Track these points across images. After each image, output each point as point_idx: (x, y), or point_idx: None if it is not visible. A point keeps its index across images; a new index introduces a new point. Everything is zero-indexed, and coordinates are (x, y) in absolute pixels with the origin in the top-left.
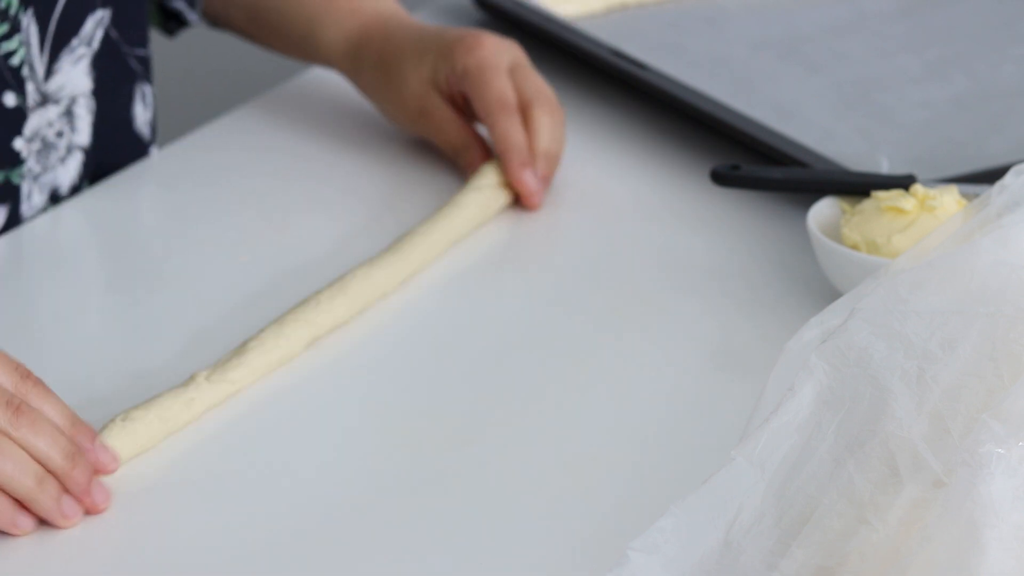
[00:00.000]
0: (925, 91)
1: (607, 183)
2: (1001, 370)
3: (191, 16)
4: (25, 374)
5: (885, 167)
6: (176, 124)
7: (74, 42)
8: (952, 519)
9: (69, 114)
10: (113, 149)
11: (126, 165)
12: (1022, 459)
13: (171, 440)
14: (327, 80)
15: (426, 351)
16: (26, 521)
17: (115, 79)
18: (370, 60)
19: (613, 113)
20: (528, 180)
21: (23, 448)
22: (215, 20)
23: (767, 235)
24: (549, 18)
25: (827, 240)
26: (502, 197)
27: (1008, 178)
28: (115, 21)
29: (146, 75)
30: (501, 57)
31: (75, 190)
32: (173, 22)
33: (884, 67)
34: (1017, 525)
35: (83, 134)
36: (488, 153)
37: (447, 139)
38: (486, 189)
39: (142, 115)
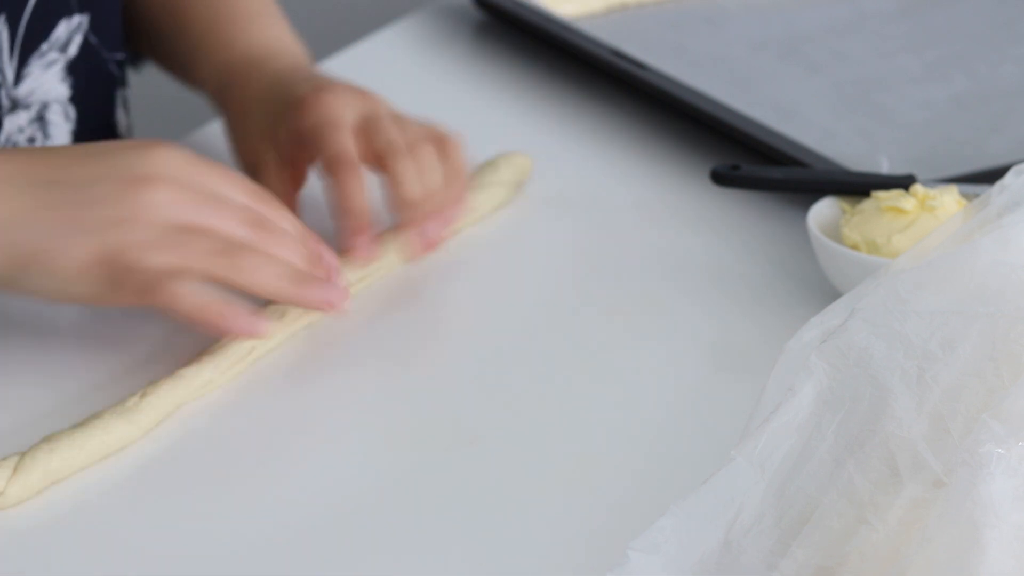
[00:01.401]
0: (925, 91)
1: (607, 183)
2: (1001, 370)
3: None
4: (257, 193)
5: (885, 167)
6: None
7: (44, 47)
8: (952, 519)
9: (41, 120)
10: None
11: None
12: (1022, 459)
13: (161, 434)
14: None
15: (425, 349)
16: (264, 324)
17: (96, 85)
18: (228, 104)
19: (613, 113)
20: (360, 246)
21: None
22: (130, 44)
23: (767, 235)
24: (549, 18)
25: (827, 240)
26: (502, 193)
27: (1008, 178)
28: (93, 27)
29: (123, 79)
30: (343, 112)
31: None
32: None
33: (884, 67)
34: (1017, 525)
35: (59, 141)
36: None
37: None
38: (482, 187)
39: (123, 120)
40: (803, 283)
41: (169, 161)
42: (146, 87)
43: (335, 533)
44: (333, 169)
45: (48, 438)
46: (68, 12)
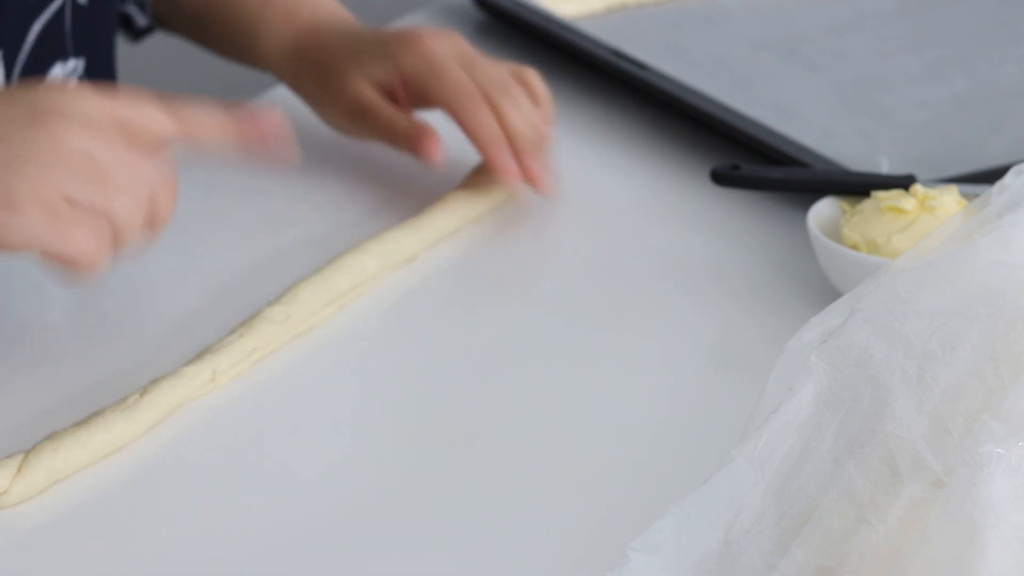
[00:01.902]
0: (925, 91)
1: (607, 183)
2: (1001, 370)
3: (140, 21)
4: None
5: (885, 167)
6: None
7: None
8: (952, 519)
9: None
10: None
11: None
12: (1022, 459)
13: (162, 433)
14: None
15: (425, 349)
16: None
17: None
18: (307, 67)
19: (613, 113)
20: (511, 166)
21: None
22: (163, 23)
23: (767, 235)
24: (549, 18)
25: (827, 240)
26: (499, 193)
27: (1008, 178)
28: (89, 71)
29: None
30: (446, 49)
31: None
32: (130, 28)
33: (884, 67)
34: (1017, 525)
35: None
36: (435, 133)
37: (392, 130)
38: (480, 186)
39: None
40: (803, 283)
41: (75, 97)
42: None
43: (335, 532)
44: (460, 99)
45: (51, 437)
46: (64, 56)
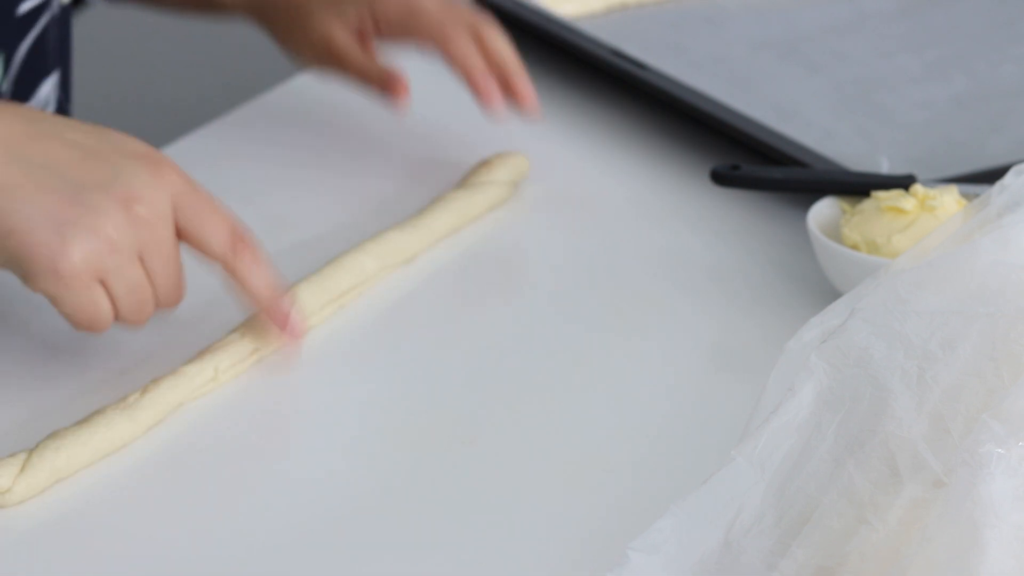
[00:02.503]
0: (925, 91)
1: (607, 183)
2: (1001, 370)
3: None
4: (238, 229)
5: (885, 167)
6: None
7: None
8: (952, 519)
9: None
10: None
11: None
12: (1022, 459)
13: (162, 432)
14: (296, 95)
15: (424, 350)
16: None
17: None
18: (274, 4)
19: (613, 113)
20: (497, 96)
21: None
22: None
23: (767, 235)
24: (549, 18)
25: (827, 240)
26: (498, 193)
27: (1008, 178)
28: (62, 82)
29: None
30: None
31: None
32: None
33: (884, 67)
34: (1017, 525)
35: None
36: (404, 79)
37: (363, 74)
38: (479, 186)
39: None
40: (803, 283)
41: (167, 188)
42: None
43: (335, 532)
44: (442, 33)
45: (54, 435)
46: (47, 71)
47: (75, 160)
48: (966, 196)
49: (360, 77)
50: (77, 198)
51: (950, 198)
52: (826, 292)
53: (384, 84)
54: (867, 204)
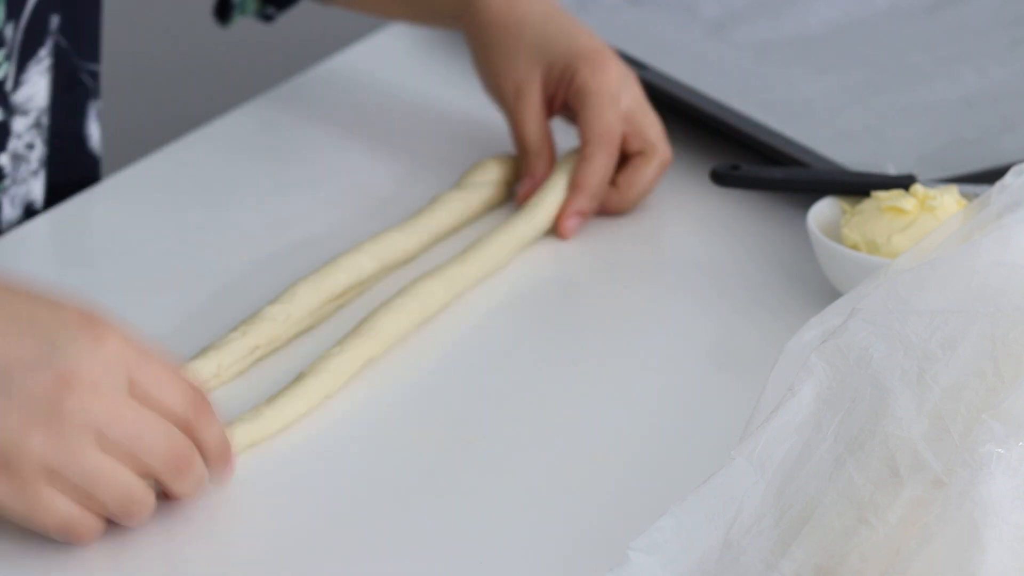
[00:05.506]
0: (933, 90)
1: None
2: (1001, 370)
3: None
4: (191, 394)
5: (891, 170)
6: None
7: (41, 52)
8: (952, 519)
9: (39, 126)
10: (66, 169)
11: (79, 187)
12: (1022, 459)
13: None
14: (295, 95)
15: (424, 350)
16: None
17: (66, 94)
18: (487, 18)
19: None
20: (572, 225)
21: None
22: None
23: (767, 235)
24: None
25: (827, 240)
26: (495, 194)
27: (1008, 178)
28: (63, 29)
29: (97, 91)
30: (621, 90)
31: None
32: (271, 6)
33: (891, 66)
34: (1017, 525)
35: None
36: (551, 166)
37: (525, 132)
38: (476, 187)
39: (95, 134)
40: (803, 283)
41: (110, 362)
42: (123, 100)
43: (336, 532)
44: (595, 143)
45: None
46: (53, 8)
47: (11, 333)
48: (966, 196)
49: (518, 138)
50: (11, 384)
51: (950, 198)
52: (826, 292)
53: (524, 170)
54: (867, 204)
